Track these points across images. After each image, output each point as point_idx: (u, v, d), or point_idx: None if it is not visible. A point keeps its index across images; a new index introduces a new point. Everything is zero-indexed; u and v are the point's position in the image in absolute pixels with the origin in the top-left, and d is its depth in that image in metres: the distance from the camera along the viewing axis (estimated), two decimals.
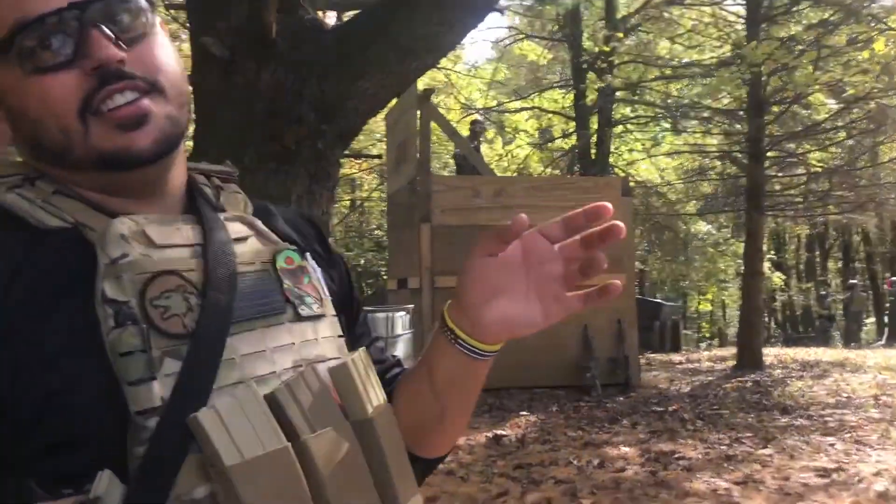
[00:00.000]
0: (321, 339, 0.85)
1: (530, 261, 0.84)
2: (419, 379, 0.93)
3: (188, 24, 3.95)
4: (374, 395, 0.84)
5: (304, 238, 0.97)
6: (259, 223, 0.88)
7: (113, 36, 0.77)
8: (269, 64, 3.13)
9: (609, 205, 0.81)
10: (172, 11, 6.69)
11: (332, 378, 0.81)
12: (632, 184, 12.41)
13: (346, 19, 4.19)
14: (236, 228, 0.85)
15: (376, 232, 19.52)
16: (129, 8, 0.81)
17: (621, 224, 0.80)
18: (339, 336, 0.88)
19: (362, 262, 19.35)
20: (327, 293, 0.90)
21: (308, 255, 0.90)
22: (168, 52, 0.84)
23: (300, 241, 0.94)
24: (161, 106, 0.80)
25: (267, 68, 3.13)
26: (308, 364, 0.80)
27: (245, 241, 0.85)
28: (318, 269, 0.91)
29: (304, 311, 0.84)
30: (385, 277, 16.72)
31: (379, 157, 14.09)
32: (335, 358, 0.85)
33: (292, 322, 0.82)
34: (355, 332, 1.00)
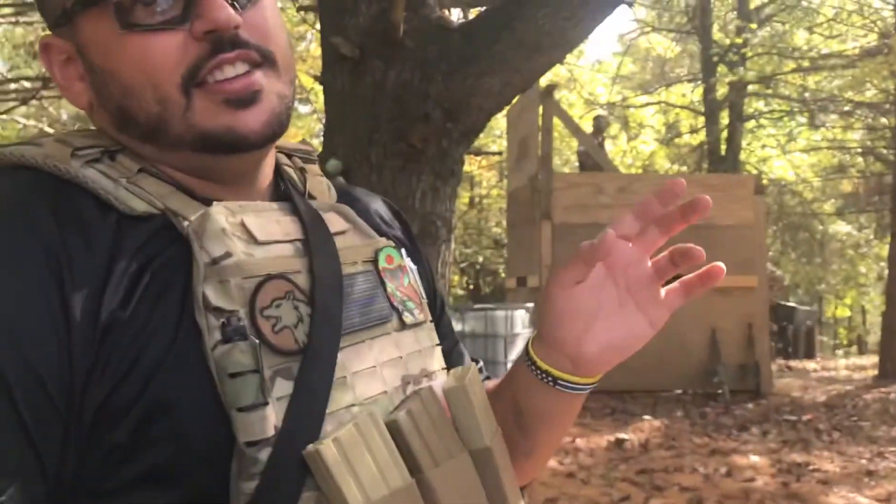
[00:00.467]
0: (423, 349, 0.78)
1: (615, 269, 0.77)
2: (502, 415, 0.82)
3: (318, 25, 4.04)
4: (489, 420, 0.77)
5: (390, 227, 0.90)
6: (354, 214, 0.81)
7: None
8: (396, 63, 3.15)
9: (683, 181, 0.74)
10: (301, 13, 6.87)
11: (447, 400, 0.74)
12: (765, 181, 11.88)
13: (471, 16, 4.18)
14: (333, 220, 0.77)
15: (495, 229, 19.50)
16: None
17: (707, 197, 0.72)
18: (437, 344, 0.81)
19: (480, 259, 19.39)
20: (425, 295, 0.83)
21: (404, 251, 0.83)
22: (279, 19, 0.74)
23: (388, 232, 0.87)
24: (273, 81, 0.71)
25: (394, 67, 3.15)
26: (414, 379, 0.74)
27: (343, 234, 0.77)
28: (415, 268, 0.83)
29: (407, 318, 0.76)
30: (503, 275, 16.69)
31: (499, 153, 14.06)
32: (439, 370, 0.78)
33: (398, 331, 0.75)
34: (439, 332, 0.89)
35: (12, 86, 9.23)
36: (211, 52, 0.67)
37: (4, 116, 9.93)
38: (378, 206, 0.92)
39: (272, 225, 0.70)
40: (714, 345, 8.29)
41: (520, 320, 6.02)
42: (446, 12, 3.58)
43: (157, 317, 0.62)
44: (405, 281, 0.79)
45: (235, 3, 0.68)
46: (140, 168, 0.70)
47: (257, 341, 0.62)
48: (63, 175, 0.66)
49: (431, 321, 0.81)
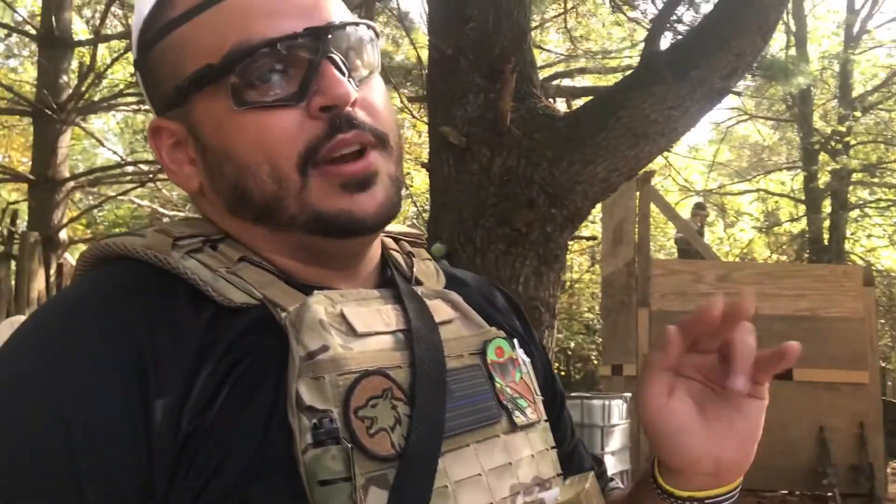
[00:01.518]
0: (537, 453, 0.71)
1: (691, 369, 0.71)
2: None
3: (426, 115, 4.19)
4: None
5: (502, 313, 0.85)
6: (462, 302, 0.76)
7: (346, 71, 0.66)
8: (503, 150, 3.23)
9: (796, 345, 0.67)
10: (408, 104, 7.12)
11: None
12: (874, 273, 11.40)
13: (575, 106, 4.27)
14: (438, 308, 0.73)
15: (586, 314, 19.23)
16: (362, 39, 0.69)
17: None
18: (553, 447, 0.74)
19: (572, 344, 19.09)
20: (539, 392, 0.77)
21: (517, 341, 0.77)
22: (389, 100, 0.72)
23: (500, 320, 0.81)
24: (386, 163, 0.69)
25: (500, 154, 3.22)
26: (525, 489, 0.68)
27: (449, 324, 0.72)
28: (528, 361, 0.78)
29: (518, 418, 0.70)
30: (596, 362, 16.38)
31: (592, 238, 13.98)
32: (554, 477, 0.72)
33: (507, 433, 0.69)
34: (558, 431, 0.82)
35: (129, 168, 9.80)
36: (329, 132, 0.65)
37: (122, 197, 10.53)
38: (489, 291, 0.88)
39: (373, 315, 0.67)
40: (823, 444, 7.84)
41: (617, 410, 5.86)
42: (552, 101, 3.66)
43: (245, 417, 0.59)
44: (517, 376, 0.74)
45: (352, 80, 0.66)
46: (241, 257, 0.68)
47: (350, 445, 0.58)
48: (163, 266, 0.65)
49: (546, 420, 0.75)
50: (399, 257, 0.80)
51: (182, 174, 0.71)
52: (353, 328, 0.64)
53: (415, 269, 0.79)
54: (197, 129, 0.68)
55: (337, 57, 0.65)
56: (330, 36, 0.65)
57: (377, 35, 0.71)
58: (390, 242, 0.81)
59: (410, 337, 0.66)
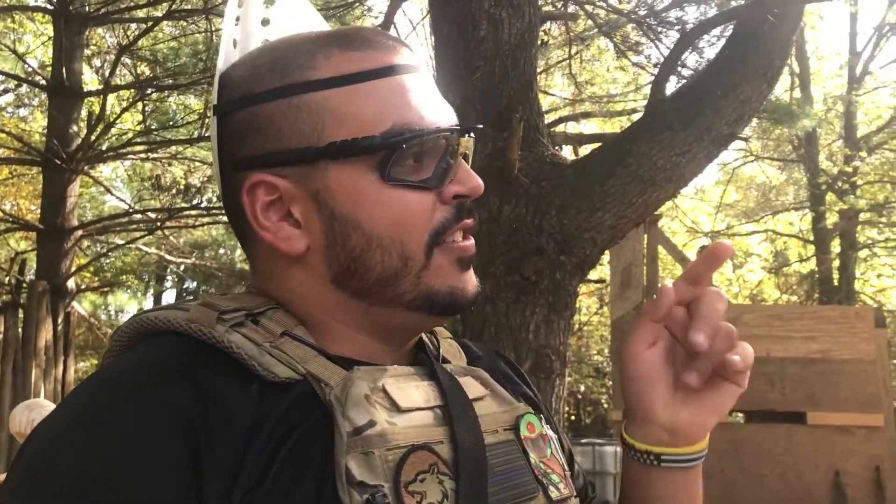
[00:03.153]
0: None
1: (678, 329, 0.74)
2: None
3: None
4: None
5: (515, 384, 0.86)
6: (490, 378, 0.77)
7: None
8: (511, 198, 3.22)
9: (729, 244, 0.73)
10: None
11: None
12: (885, 313, 11.32)
13: (582, 153, 4.28)
14: (470, 385, 0.74)
15: (596, 357, 19.10)
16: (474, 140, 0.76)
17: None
18: None
19: (582, 388, 18.93)
20: (567, 467, 0.78)
21: (543, 417, 0.78)
22: None
23: (518, 392, 0.83)
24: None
25: (509, 202, 3.22)
26: None
27: (481, 400, 0.73)
28: (555, 437, 0.79)
29: (553, 493, 0.71)
30: (606, 406, 16.22)
31: (601, 281, 13.94)
32: None
33: None
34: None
35: (137, 216, 9.85)
36: (457, 217, 0.70)
37: (130, 245, 10.57)
38: (496, 361, 0.88)
39: (412, 390, 0.67)
40: (839, 489, 7.72)
41: None
42: (559, 149, 3.67)
43: (296, 493, 0.59)
44: (548, 451, 0.75)
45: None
46: (283, 332, 0.68)
47: None
48: (207, 340, 0.65)
49: (576, 497, 0.76)
50: (424, 336, 0.81)
51: (280, 234, 0.69)
52: (396, 403, 0.64)
53: (441, 348, 0.80)
54: (324, 194, 0.67)
55: (469, 153, 0.72)
56: (472, 135, 0.72)
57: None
58: None
59: (448, 413, 0.67)
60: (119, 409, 0.59)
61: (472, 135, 0.73)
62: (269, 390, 0.63)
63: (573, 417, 18.95)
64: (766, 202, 18.69)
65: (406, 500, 0.59)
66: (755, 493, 7.47)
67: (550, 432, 0.78)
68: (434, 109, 0.70)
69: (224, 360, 0.64)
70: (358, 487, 0.58)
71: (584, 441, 5.83)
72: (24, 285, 7.46)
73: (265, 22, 0.76)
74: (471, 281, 0.72)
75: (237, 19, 0.75)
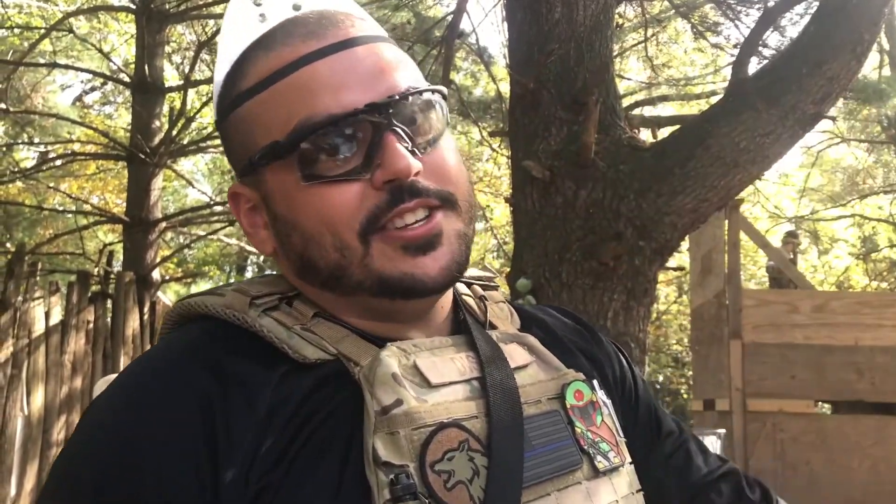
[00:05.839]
0: (621, 498, 0.70)
1: None
2: None
3: (505, 148, 4.16)
4: None
5: (577, 342, 0.84)
6: (538, 344, 0.76)
7: (409, 143, 0.67)
8: (588, 183, 3.17)
9: None
10: (488, 138, 7.13)
11: None
12: None
13: (660, 136, 4.18)
14: (514, 353, 0.73)
15: (675, 346, 18.75)
16: (428, 104, 0.70)
17: None
18: (639, 490, 0.74)
19: (660, 378, 18.63)
20: (622, 434, 0.76)
21: (596, 382, 0.76)
22: (457, 156, 0.73)
23: (576, 350, 0.81)
24: (452, 222, 0.70)
25: (585, 187, 3.16)
26: None
27: (525, 369, 0.72)
28: (609, 402, 0.77)
29: (600, 463, 0.69)
30: (686, 396, 15.91)
31: (680, 269, 13.65)
32: None
33: (588, 480, 0.68)
34: (662, 448, 0.84)
35: (217, 208, 10.09)
36: (390, 202, 0.66)
37: (211, 236, 10.84)
38: (559, 319, 0.87)
39: (447, 364, 0.67)
40: None
41: (711, 447, 5.66)
42: (636, 132, 3.59)
43: (318, 474, 0.59)
44: (597, 419, 0.73)
45: (416, 150, 0.67)
46: (315, 313, 0.69)
47: (428, 501, 0.58)
48: (240, 324, 0.67)
49: (631, 463, 0.74)
50: (472, 302, 0.80)
51: (258, 237, 0.74)
52: (427, 380, 0.64)
53: (488, 314, 0.78)
54: (268, 199, 0.70)
55: (399, 129, 0.66)
56: (392, 110, 0.66)
57: (444, 96, 0.72)
58: (462, 287, 0.81)
59: (485, 385, 0.66)
60: (146, 389, 0.64)
61: (393, 109, 0.66)
62: (297, 372, 0.64)
63: None
64: (852, 186, 17.96)
65: (431, 480, 0.58)
66: (843, 487, 7.20)
67: (603, 398, 0.76)
68: (350, 92, 0.66)
69: (255, 343, 0.66)
70: (384, 467, 0.58)
71: None
72: (112, 276, 7.73)
73: (296, 7, 0.75)
74: (431, 265, 0.67)
75: (262, 16, 0.74)
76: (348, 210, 0.66)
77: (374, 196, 0.66)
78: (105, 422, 0.63)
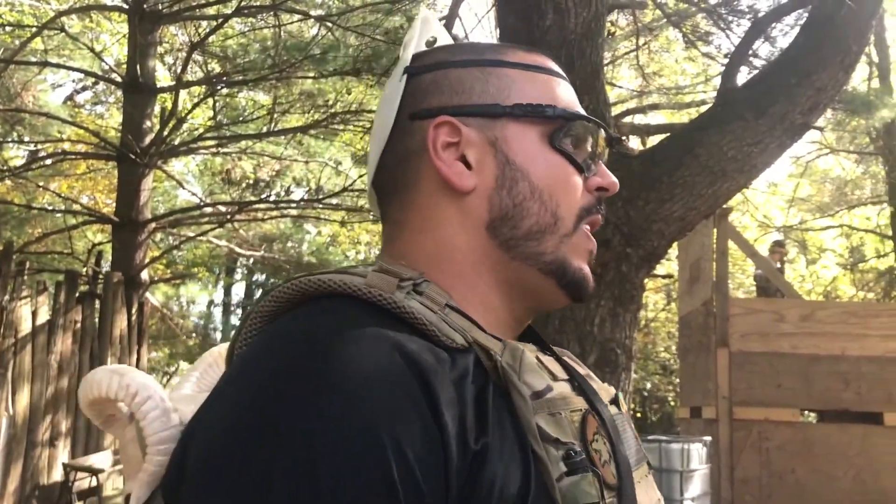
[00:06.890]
0: (660, 499, 0.77)
1: None
2: None
3: None
4: None
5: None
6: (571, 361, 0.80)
7: None
8: None
9: None
10: None
11: None
12: None
13: (649, 144, 4.20)
14: (573, 364, 0.78)
15: (663, 354, 18.80)
16: None
17: None
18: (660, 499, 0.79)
19: (648, 385, 18.67)
20: None
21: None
22: None
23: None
24: None
25: None
26: None
27: (587, 377, 0.77)
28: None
29: (651, 462, 0.78)
30: (673, 404, 15.97)
31: (668, 276, 13.70)
32: None
33: (646, 476, 0.76)
34: None
35: (207, 210, 10.08)
36: (596, 207, 0.76)
37: (201, 238, 10.82)
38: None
39: (553, 363, 0.72)
40: None
41: (696, 454, 5.66)
42: (626, 140, 3.61)
43: (507, 445, 0.60)
44: (630, 427, 0.80)
45: None
46: (446, 303, 0.69)
47: (594, 472, 0.63)
48: (388, 306, 0.64)
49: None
50: None
51: (453, 169, 0.74)
52: (553, 372, 0.69)
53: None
54: (501, 143, 0.74)
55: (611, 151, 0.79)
56: (610, 140, 0.80)
57: None
58: None
59: (578, 384, 0.71)
60: (353, 372, 0.58)
61: (611, 140, 0.80)
62: (451, 356, 0.63)
63: (639, 415, 18.71)
64: (840, 196, 18.08)
65: (594, 456, 0.64)
66: (827, 495, 7.23)
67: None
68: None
69: (404, 326, 0.64)
70: (554, 444, 0.62)
71: (650, 438, 5.73)
72: (101, 276, 7.70)
73: (430, 43, 0.82)
74: (590, 278, 0.76)
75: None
76: (576, 190, 0.74)
77: (587, 196, 0.75)
78: (340, 404, 0.55)
